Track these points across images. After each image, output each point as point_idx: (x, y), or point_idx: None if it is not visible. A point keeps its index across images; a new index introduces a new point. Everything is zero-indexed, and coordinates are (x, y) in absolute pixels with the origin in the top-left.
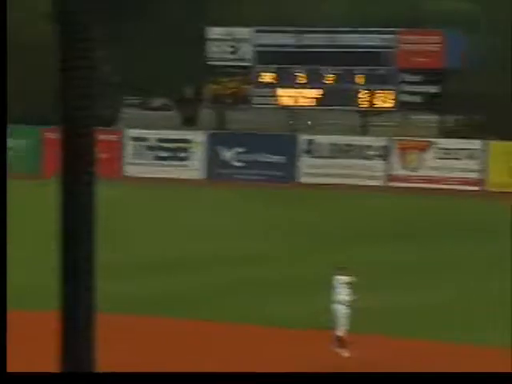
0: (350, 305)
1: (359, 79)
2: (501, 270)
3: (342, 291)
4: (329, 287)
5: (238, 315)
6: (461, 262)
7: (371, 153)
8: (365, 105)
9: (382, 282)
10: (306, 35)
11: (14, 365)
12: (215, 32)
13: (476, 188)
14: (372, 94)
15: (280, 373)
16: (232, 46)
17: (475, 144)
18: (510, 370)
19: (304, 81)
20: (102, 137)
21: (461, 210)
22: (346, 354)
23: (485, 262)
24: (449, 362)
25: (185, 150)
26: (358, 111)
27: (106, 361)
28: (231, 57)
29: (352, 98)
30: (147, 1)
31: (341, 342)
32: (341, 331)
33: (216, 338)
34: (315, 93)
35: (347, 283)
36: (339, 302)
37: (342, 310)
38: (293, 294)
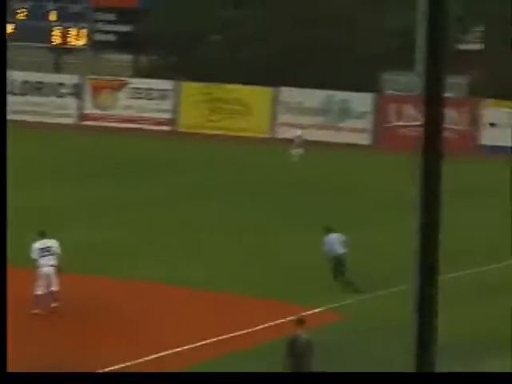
0: (57, 266)
1: (52, 16)
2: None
3: (48, 255)
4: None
5: None
6: (146, 198)
7: (64, 91)
8: (58, 42)
9: (76, 218)
10: None
11: None
12: None
13: (168, 128)
14: (65, 32)
15: (279, 373)
16: None
17: (167, 84)
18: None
19: None
20: None
21: (152, 149)
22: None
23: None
24: (120, 295)
25: None
26: (50, 48)
27: None
28: None
29: (45, 35)
30: None
31: (50, 298)
32: (42, 290)
33: None
34: (7, 28)
35: (49, 247)
36: (45, 266)
37: (50, 272)
38: None
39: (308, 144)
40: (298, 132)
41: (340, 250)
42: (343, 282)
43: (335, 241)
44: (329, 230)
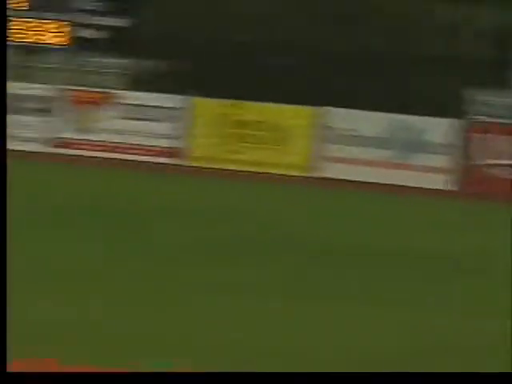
0: None
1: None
2: None
3: None
4: None
5: None
6: None
7: (30, 106)
8: (26, 39)
9: None
10: None
11: None
12: None
13: (175, 161)
14: (36, 26)
15: (280, 373)
16: None
17: (174, 100)
18: None
19: None
20: None
21: (161, 188)
22: None
23: None
24: None
25: None
26: (16, 46)
27: None
28: None
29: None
30: None
31: None
32: None
33: None
34: None
35: None
36: None
37: None
38: None
39: (364, 186)
40: None
41: None
42: None
43: None
44: None
